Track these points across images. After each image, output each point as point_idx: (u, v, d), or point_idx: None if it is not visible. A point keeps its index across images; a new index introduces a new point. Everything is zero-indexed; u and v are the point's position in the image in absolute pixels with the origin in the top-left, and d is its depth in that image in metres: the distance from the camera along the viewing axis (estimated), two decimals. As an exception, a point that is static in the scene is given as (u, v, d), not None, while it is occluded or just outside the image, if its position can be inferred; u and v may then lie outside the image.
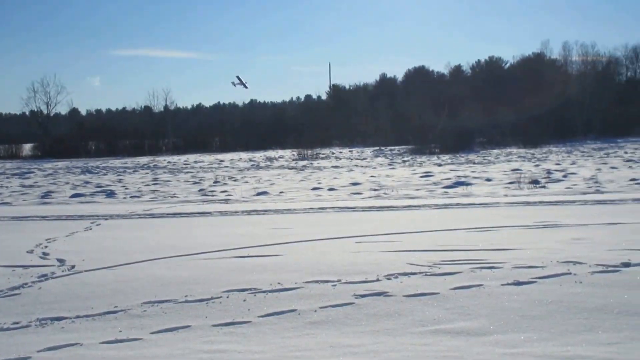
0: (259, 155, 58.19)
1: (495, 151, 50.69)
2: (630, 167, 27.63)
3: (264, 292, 7.36)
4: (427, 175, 27.44)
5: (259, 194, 22.11)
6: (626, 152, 40.01)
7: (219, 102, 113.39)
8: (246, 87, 73.95)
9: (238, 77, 74.03)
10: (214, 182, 28.09)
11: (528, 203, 16.35)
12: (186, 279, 8.10)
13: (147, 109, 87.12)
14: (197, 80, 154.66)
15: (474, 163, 36.34)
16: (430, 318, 6.29)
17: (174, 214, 16.30)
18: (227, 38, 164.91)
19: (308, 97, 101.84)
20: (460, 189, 21.34)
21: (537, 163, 33.43)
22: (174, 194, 23.01)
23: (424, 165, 36.74)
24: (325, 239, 11.14)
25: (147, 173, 37.65)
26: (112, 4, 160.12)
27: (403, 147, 59.55)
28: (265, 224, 13.73)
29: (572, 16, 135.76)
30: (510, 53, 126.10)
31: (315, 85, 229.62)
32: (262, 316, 6.51)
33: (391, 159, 45.27)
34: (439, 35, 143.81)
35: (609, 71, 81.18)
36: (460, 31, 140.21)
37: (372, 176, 28.36)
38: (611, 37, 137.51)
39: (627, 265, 8.06)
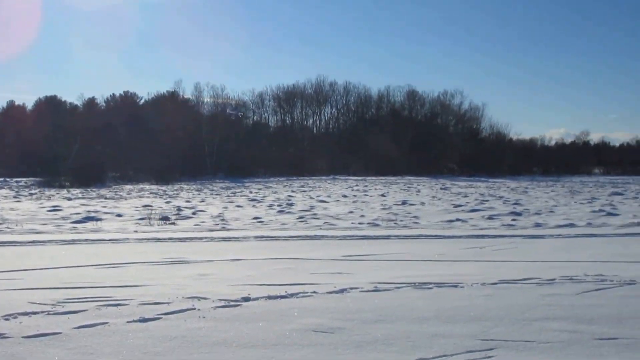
0: None
1: (128, 186, 50.51)
2: (254, 206, 29.34)
3: None
4: (56, 209, 26.36)
5: None
6: (251, 192, 42.43)
7: None
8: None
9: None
10: None
11: (158, 239, 16.53)
12: None
13: None
14: None
15: (106, 198, 35.79)
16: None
17: None
18: None
19: None
20: (90, 224, 20.84)
21: (169, 200, 33.97)
22: None
23: (53, 198, 35.28)
24: None
25: None
26: None
27: (31, 179, 56.63)
28: None
29: (203, 58, 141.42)
30: (146, 89, 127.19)
31: None
32: None
33: (17, 191, 42.68)
34: (73, 64, 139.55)
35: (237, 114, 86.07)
36: (95, 63, 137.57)
37: (-6, 209, 26.48)
38: (240, 81, 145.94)
39: (247, 299, 8.53)
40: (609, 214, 24.34)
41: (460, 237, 17.44)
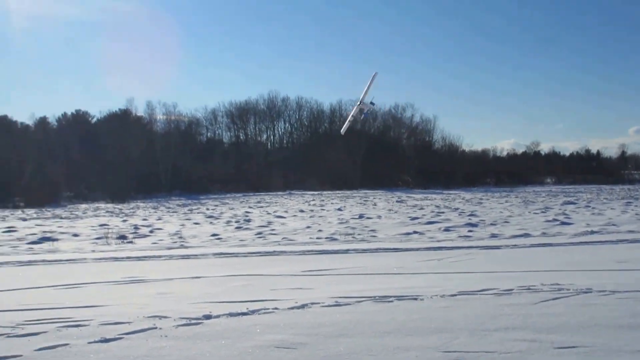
0: None
1: (83, 206, 49.93)
2: (211, 223, 29.21)
3: None
4: (11, 230, 25.92)
5: None
6: (208, 209, 42.23)
7: None
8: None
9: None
10: None
11: (116, 258, 16.38)
12: None
13: None
14: None
15: (61, 218, 35.32)
16: (11, 384, 5.96)
17: None
18: None
19: None
20: (46, 245, 20.55)
21: (125, 218, 33.66)
22: None
23: (7, 219, 34.69)
24: None
25: None
26: None
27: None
28: None
29: (154, 76, 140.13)
30: (97, 108, 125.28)
31: None
32: None
33: (-31, 213, 41.92)
34: (21, 85, 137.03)
35: (190, 131, 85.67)
36: (45, 83, 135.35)
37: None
38: (192, 98, 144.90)
39: (208, 317, 8.51)
40: (563, 223, 24.80)
41: (417, 249, 17.60)
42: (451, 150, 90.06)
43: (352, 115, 20.19)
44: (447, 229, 23.37)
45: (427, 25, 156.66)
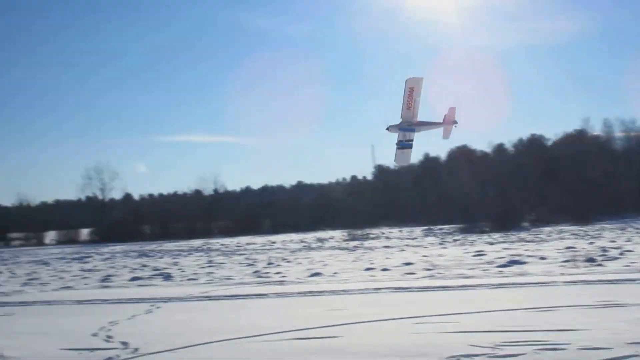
0: (309, 236, 58.67)
1: (547, 229, 50.12)
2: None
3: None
4: (480, 254, 27.23)
5: (313, 275, 22.18)
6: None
7: (266, 185, 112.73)
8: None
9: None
10: (268, 264, 28.28)
11: (586, 282, 16.11)
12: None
13: (198, 193, 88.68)
14: (243, 164, 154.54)
15: (526, 241, 35.99)
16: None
17: (230, 296, 16.48)
18: (269, 122, 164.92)
19: (353, 178, 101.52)
20: (515, 268, 21.10)
21: (591, 240, 32.94)
22: (229, 276, 23.25)
23: (475, 244, 36.52)
24: (383, 319, 11.17)
25: (201, 256, 38.27)
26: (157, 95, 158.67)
27: (452, 226, 59.28)
28: (322, 305, 13.83)
29: (610, 94, 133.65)
30: (549, 131, 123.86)
31: (359, 166, 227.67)
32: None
33: (442, 238, 45.13)
34: (478, 113, 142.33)
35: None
36: (500, 110, 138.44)
37: (424, 256, 28.24)
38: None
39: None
40: None
41: None
42: None
43: (400, 140, 10.75)
44: None
45: None
